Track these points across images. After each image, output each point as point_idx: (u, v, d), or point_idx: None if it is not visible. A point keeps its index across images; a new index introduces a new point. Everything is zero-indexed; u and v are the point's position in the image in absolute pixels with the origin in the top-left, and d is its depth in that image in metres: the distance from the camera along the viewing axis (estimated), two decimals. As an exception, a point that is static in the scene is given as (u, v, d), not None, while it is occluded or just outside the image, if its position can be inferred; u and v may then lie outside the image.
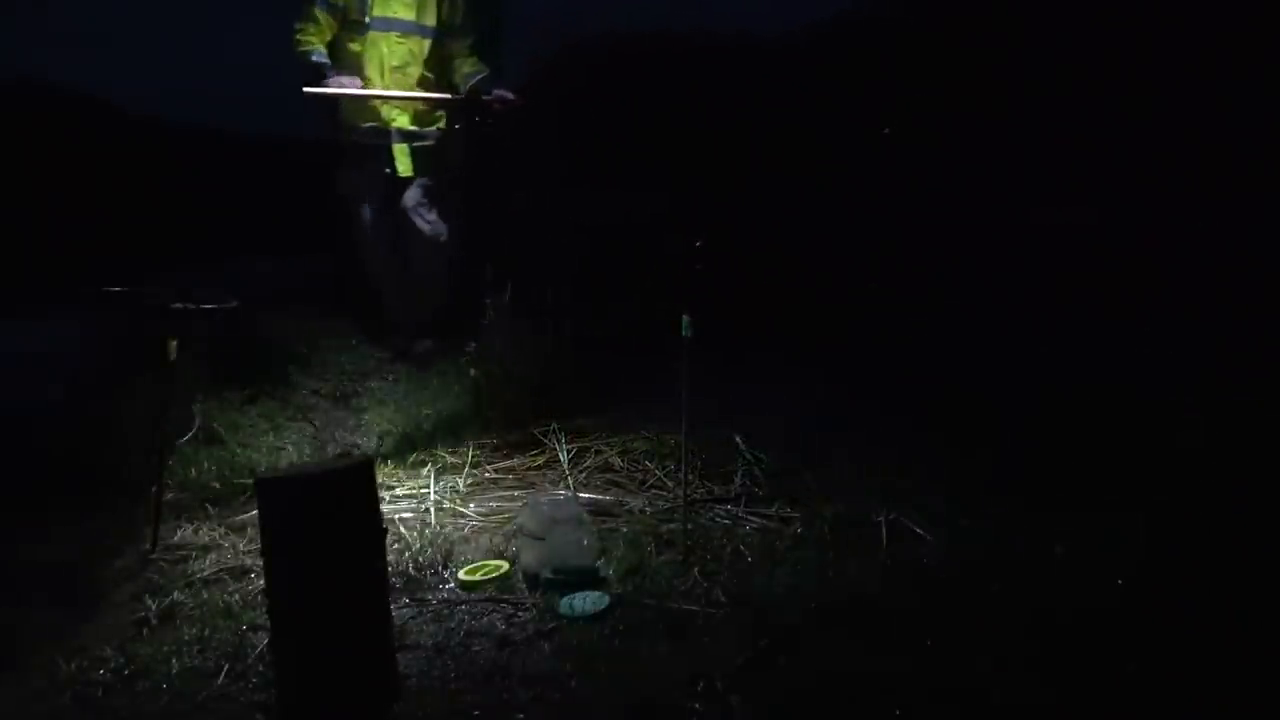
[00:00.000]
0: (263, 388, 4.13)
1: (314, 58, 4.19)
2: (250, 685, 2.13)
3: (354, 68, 4.23)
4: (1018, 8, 5.35)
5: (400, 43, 4.25)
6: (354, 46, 4.24)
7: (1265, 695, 1.85)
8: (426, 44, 4.29)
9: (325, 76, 4.16)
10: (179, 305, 2.83)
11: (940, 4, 6.06)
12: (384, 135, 4.28)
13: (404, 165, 4.31)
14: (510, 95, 4.31)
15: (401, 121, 4.32)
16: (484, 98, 4.29)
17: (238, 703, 2.08)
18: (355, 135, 4.29)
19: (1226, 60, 4.36)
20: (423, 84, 4.30)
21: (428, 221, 4.35)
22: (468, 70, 4.35)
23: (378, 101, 4.24)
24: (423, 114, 4.34)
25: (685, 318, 2.66)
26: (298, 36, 4.20)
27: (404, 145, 4.29)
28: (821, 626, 2.18)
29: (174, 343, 2.83)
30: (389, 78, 4.25)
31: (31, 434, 3.57)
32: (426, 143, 4.36)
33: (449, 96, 4.34)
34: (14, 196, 5.68)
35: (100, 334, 4.03)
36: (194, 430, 3.51)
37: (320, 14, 4.21)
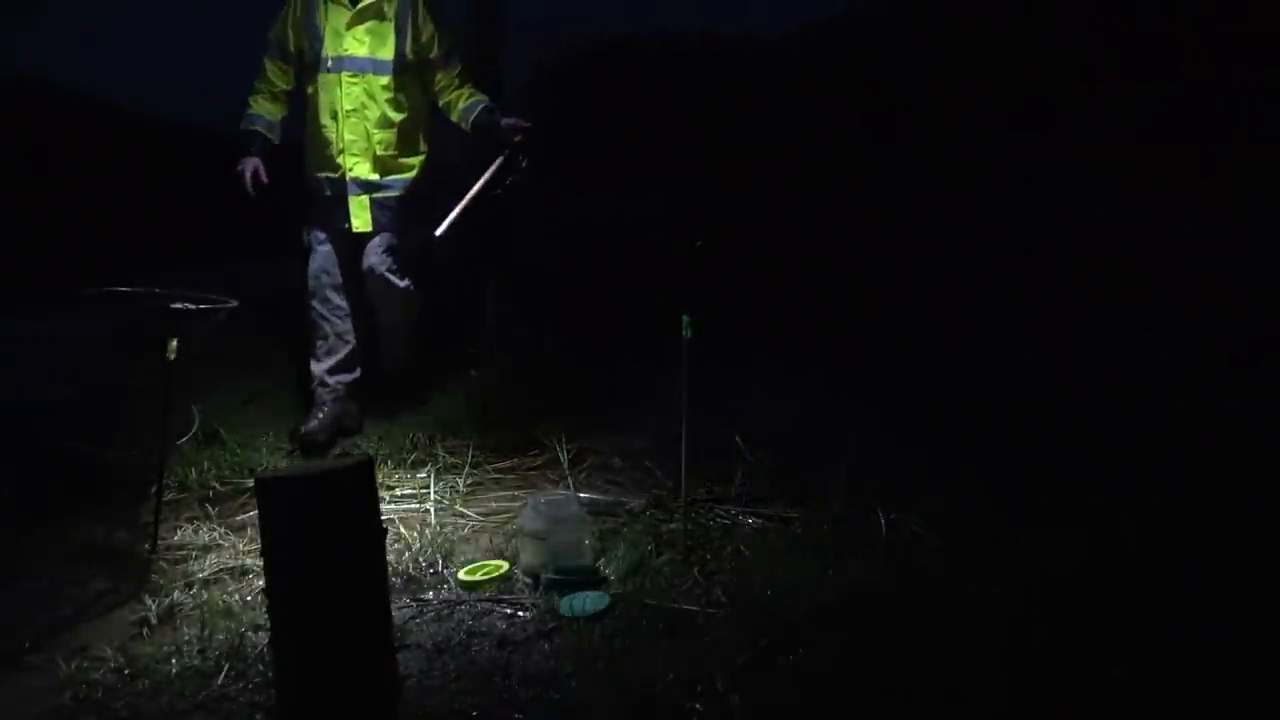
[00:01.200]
0: (263, 388, 4.13)
1: (242, 123, 3.78)
2: (250, 685, 2.13)
3: (313, 114, 3.78)
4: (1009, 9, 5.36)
5: (353, 83, 3.71)
6: (309, 90, 3.80)
7: (1257, 698, 1.85)
8: (385, 80, 3.73)
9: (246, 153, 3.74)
10: (179, 305, 2.83)
11: (930, 5, 6.08)
12: (340, 185, 3.76)
13: (361, 220, 3.75)
14: (525, 123, 3.83)
15: (360, 170, 3.74)
16: (515, 139, 3.78)
17: (238, 703, 2.08)
18: (311, 183, 3.84)
19: (1213, 61, 4.38)
20: (383, 125, 3.74)
21: (400, 282, 3.83)
22: (464, 104, 3.86)
23: (334, 148, 3.74)
24: (387, 161, 3.78)
25: (685, 317, 2.66)
26: (249, 98, 3.81)
27: (363, 197, 3.75)
28: (821, 626, 2.18)
29: (174, 343, 2.83)
30: (344, 123, 3.72)
31: (32, 434, 3.57)
32: (390, 193, 3.78)
33: (500, 162, 3.79)
34: (14, 196, 5.68)
35: (100, 334, 4.03)
36: (194, 430, 3.51)
37: (270, 65, 3.79)
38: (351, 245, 3.82)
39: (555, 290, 4.64)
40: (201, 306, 2.87)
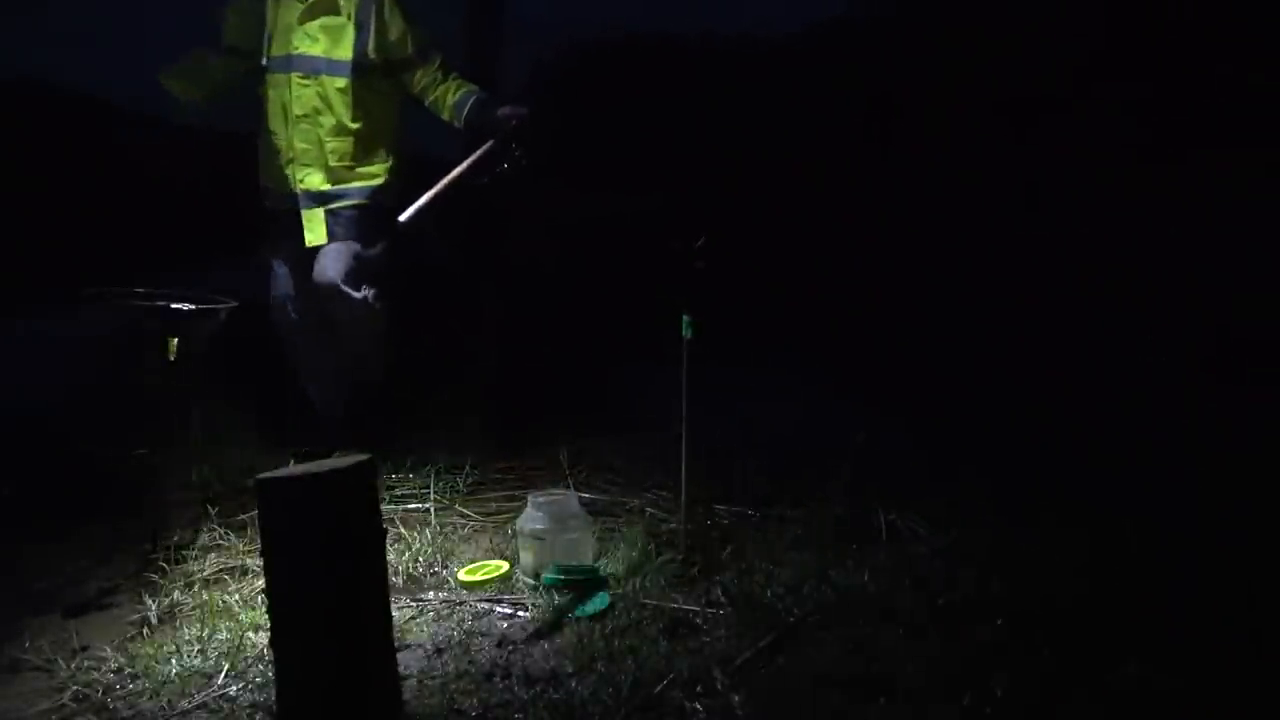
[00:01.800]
0: (263, 388, 4.13)
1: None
2: (250, 685, 2.13)
3: (264, 118, 3.50)
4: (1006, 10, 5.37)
5: (305, 85, 3.38)
6: (260, 90, 3.49)
7: (1258, 698, 1.85)
8: (342, 83, 3.39)
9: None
10: (179, 305, 2.83)
11: (931, 7, 6.10)
12: (291, 199, 3.46)
13: (314, 233, 3.44)
14: (521, 109, 3.43)
15: (312, 181, 3.43)
16: (510, 125, 3.39)
17: (238, 703, 2.08)
18: (264, 195, 3.56)
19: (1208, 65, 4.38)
20: (338, 133, 3.42)
21: (357, 293, 3.49)
22: (454, 99, 3.49)
23: (284, 156, 3.45)
24: (341, 172, 3.45)
25: (685, 317, 2.66)
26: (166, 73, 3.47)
27: (317, 210, 3.44)
28: (821, 626, 2.18)
29: (174, 342, 2.83)
30: (294, 129, 3.41)
31: (32, 434, 3.57)
32: (347, 203, 3.46)
33: (486, 149, 3.39)
34: (14, 196, 5.68)
35: (101, 334, 4.03)
36: (194, 430, 3.51)
37: (199, 54, 3.45)
38: (311, 258, 3.53)
39: (554, 289, 4.64)
40: (201, 307, 2.87)
